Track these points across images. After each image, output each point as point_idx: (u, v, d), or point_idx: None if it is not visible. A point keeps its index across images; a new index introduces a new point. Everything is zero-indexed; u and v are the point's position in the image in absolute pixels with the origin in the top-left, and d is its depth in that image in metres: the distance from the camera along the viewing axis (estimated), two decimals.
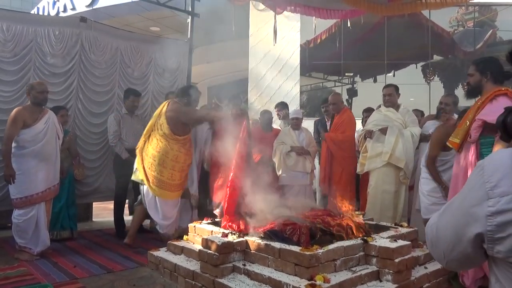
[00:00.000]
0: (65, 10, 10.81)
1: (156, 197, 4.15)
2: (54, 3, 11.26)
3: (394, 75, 11.36)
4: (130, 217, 5.47)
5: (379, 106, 4.93)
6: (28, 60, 4.94)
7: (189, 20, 6.51)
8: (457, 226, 0.92)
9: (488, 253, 0.89)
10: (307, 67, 10.57)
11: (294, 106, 8.32)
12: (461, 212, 0.92)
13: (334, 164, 5.18)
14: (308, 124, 6.19)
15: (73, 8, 10.55)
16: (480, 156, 2.85)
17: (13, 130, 3.84)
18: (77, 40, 5.27)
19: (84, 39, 5.34)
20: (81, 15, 6.08)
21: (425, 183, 3.86)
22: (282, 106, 6.06)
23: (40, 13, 11.57)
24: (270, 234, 3.04)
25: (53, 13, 11.03)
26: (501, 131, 1.12)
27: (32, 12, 11.68)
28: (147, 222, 5.75)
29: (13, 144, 3.87)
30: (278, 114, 6.04)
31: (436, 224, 1.02)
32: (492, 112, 2.71)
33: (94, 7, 10.02)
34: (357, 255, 2.92)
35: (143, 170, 4.16)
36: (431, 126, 4.46)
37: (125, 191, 5.17)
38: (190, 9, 6.51)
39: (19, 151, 3.89)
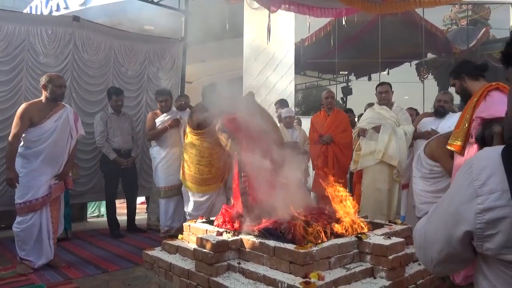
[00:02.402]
0: (58, 8, 10.73)
1: (188, 191, 4.38)
2: (47, 1, 11.18)
3: (388, 74, 11.41)
4: (124, 217, 5.47)
5: (372, 104, 4.95)
6: (21, 60, 4.90)
7: (183, 19, 6.50)
8: (447, 227, 0.92)
9: (477, 250, 0.89)
10: (301, 66, 10.57)
11: (289, 105, 8.30)
12: (450, 212, 0.92)
13: (333, 165, 5.14)
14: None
15: (66, 7, 10.48)
16: None
17: (19, 129, 3.47)
18: (70, 39, 5.24)
19: (77, 38, 5.29)
20: (74, 14, 6.05)
21: (417, 183, 3.91)
22: (281, 104, 6.00)
23: (33, 11, 11.49)
24: (265, 232, 3.04)
25: (46, 11, 10.95)
26: (481, 146, 1.13)
27: (25, 11, 11.58)
28: (142, 222, 5.75)
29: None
30: (277, 112, 5.93)
31: (424, 227, 1.01)
32: (488, 108, 2.73)
33: (87, 5, 9.96)
34: (351, 253, 2.93)
35: (181, 167, 4.48)
36: (428, 123, 4.46)
37: (115, 191, 5.16)
38: (184, 8, 6.50)
39: (22, 151, 3.54)
